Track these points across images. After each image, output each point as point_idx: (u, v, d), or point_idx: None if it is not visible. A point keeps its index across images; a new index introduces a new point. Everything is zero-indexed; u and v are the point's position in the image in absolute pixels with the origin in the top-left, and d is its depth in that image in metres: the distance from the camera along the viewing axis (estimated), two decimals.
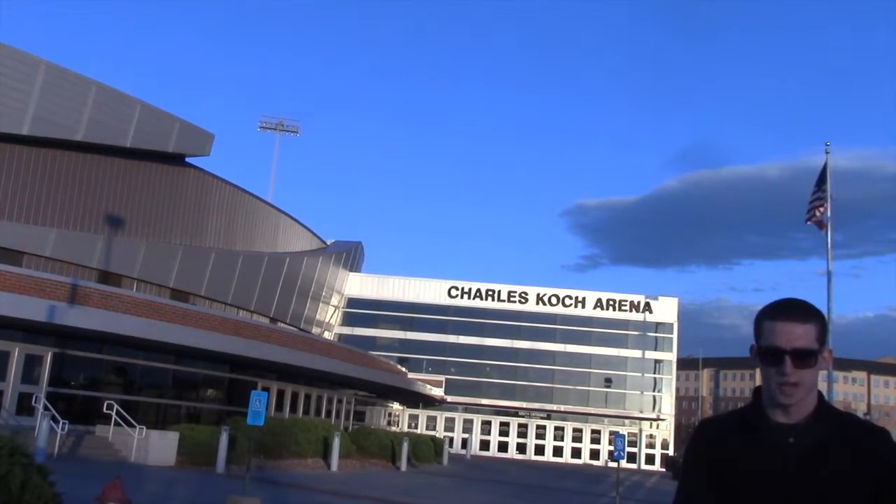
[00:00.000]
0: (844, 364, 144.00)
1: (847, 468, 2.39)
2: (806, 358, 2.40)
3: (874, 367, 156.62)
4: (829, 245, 24.39)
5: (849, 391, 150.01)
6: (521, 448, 69.21)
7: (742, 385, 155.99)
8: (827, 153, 24.77)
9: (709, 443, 2.57)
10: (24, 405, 26.17)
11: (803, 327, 2.41)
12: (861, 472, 2.39)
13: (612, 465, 30.14)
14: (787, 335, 2.40)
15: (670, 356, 71.43)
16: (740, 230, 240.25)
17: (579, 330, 70.91)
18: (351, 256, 67.91)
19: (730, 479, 2.48)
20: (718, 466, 2.51)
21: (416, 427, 66.42)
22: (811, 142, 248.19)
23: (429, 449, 40.98)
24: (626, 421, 68.60)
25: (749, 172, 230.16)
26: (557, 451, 68.96)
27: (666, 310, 71.55)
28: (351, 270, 68.76)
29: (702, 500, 2.54)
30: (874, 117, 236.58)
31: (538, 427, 69.79)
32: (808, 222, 24.26)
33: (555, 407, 69.24)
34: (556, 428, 69.77)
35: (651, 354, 70.86)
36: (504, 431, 69.99)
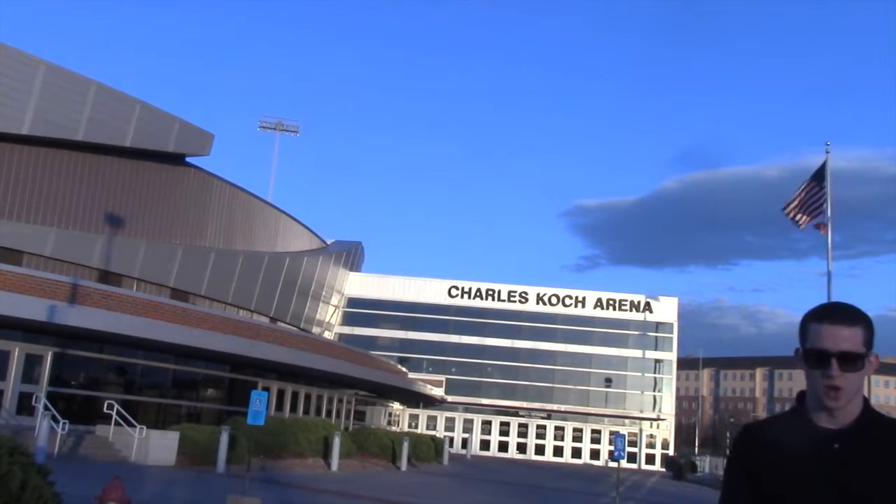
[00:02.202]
0: None
1: (892, 474, 2.38)
2: (852, 361, 2.39)
3: None
4: (830, 246, 24.37)
5: None
6: (522, 448, 69.21)
7: (742, 385, 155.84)
8: (827, 153, 24.74)
9: (752, 446, 2.57)
10: (25, 405, 26.19)
11: (850, 331, 2.40)
12: None
13: (613, 464, 30.13)
14: (834, 338, 2.40)
15: (670, 356, 71.43)
16: (739, 231, 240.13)
17: (579, 330, 70.93)
18: (351, 256, 67.93)
19: (773, 484, 2.48)
20: (761, 470, 2.51)
21: (416, 427, 66.42)
22: (810, 143, 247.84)
23: (429, 449, 40.99)
24: (627, 421, 68.59)
25: (748, 173, 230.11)
26: (558, 451, 68.95)
27: (666, 309, 71.57)
28: (351, 270, 68.77)
29: None
30: (872, 119, 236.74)
31: (538, 427, 69.79)
32: (788, 215, 24.12)
33: (555, 407, 69.24)
34: (557, 428, 69.76)
35: (651, 354, 70.87)
36: (504, 431, 69.99)
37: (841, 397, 2.41)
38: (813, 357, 2.43)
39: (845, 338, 2.39)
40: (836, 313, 2.44)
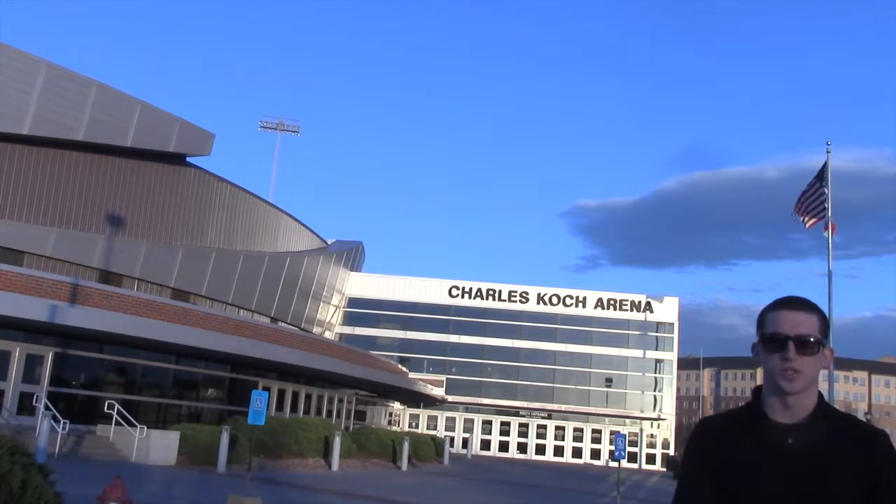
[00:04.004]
0: (845, 364, 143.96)
1: (844, 469, 2.41)
2: (808, 346, 2.45)
3: (875, 367, 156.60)
4: (830, 246, 24.33)
5: (850, 391, 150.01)
6: (522, 448, 69.22)
7: (743, 385, 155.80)
8: (828, 153, 24.70)
9: (707, 442, 2.59)
10: (25, 405, 26.20)
11: (806, 316, 2.48)
12: (857, 473, 2.41)
13: (613, 464, 30.12)
14: (791, 322, 2.47)
15: (671, 356, 71.40)
16: (738, 231, 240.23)
17: (580, 330, 70.91)
18: (351, 256, 67.91)
19: (728, 478, 2.50)
20: (717, 466, 2.53)
21: (416, 427, 66.43)
22: (809, 143, 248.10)
23: (429, 448, 41.00)
24: (627, 420, 68.60)
25: (747, 173, 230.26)
26: (558, 451, 68.96)
27: (666, 309, 71.54)
28: (352, 270, 68.77)
29: (700, 500, 2.55)
30: (871, 119, 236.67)
31: (539, 427, 69.80)
32: (797, 216, 24.08)
33: (555, 406, 69.24)
34: (557, 428, 69.76)
35: (652, 354, 70.84)
36: (505, 431, 70.00)
37: (797, 380, 2.44)
38: (770, 341, 2.48)
39: (801, 322, 2.46)
40: (791, 302, 2.53)
